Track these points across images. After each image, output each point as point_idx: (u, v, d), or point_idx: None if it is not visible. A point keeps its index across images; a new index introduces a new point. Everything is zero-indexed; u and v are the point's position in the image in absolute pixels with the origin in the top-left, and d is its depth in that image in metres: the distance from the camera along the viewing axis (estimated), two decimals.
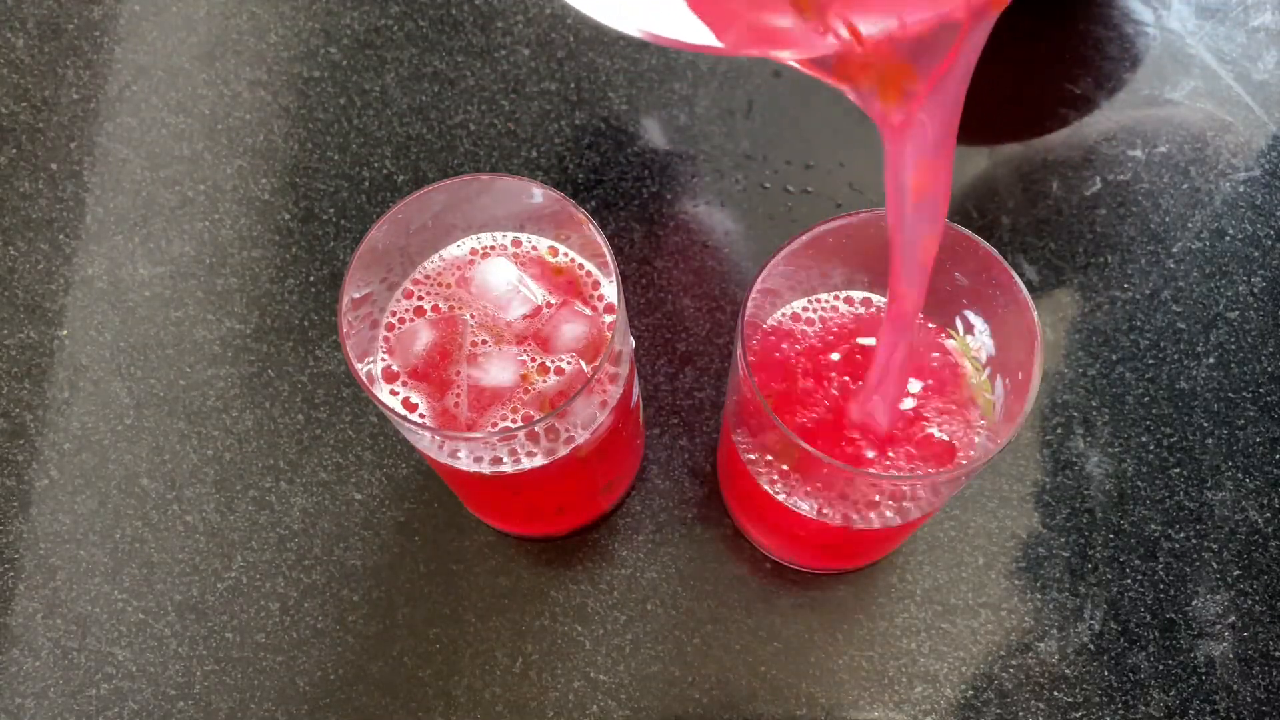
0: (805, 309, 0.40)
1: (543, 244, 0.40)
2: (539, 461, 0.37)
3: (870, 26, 0.20)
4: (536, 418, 0.37)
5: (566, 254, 0.40)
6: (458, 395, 0.38)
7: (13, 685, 0.46)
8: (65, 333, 0.52)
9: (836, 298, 0.41)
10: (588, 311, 0.39)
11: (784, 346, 0.39)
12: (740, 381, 0.36)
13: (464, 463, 0.37)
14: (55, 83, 0.57)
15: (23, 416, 0.51)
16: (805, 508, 0.38)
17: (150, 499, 0.49)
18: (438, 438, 0.36)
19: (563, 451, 0.37)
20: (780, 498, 0.38)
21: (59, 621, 0.47)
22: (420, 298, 0.40)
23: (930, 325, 0.40)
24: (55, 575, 0.48)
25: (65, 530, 0.49)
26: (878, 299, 0.41)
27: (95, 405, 0.51)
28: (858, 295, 0.41)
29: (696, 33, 0.22)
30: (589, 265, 0.40)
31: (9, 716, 0.46)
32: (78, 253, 0.54)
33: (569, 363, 0.38)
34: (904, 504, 0.37)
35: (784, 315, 0.40)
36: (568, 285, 0.40)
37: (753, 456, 0.38)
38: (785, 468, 0.37)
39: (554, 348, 0.38)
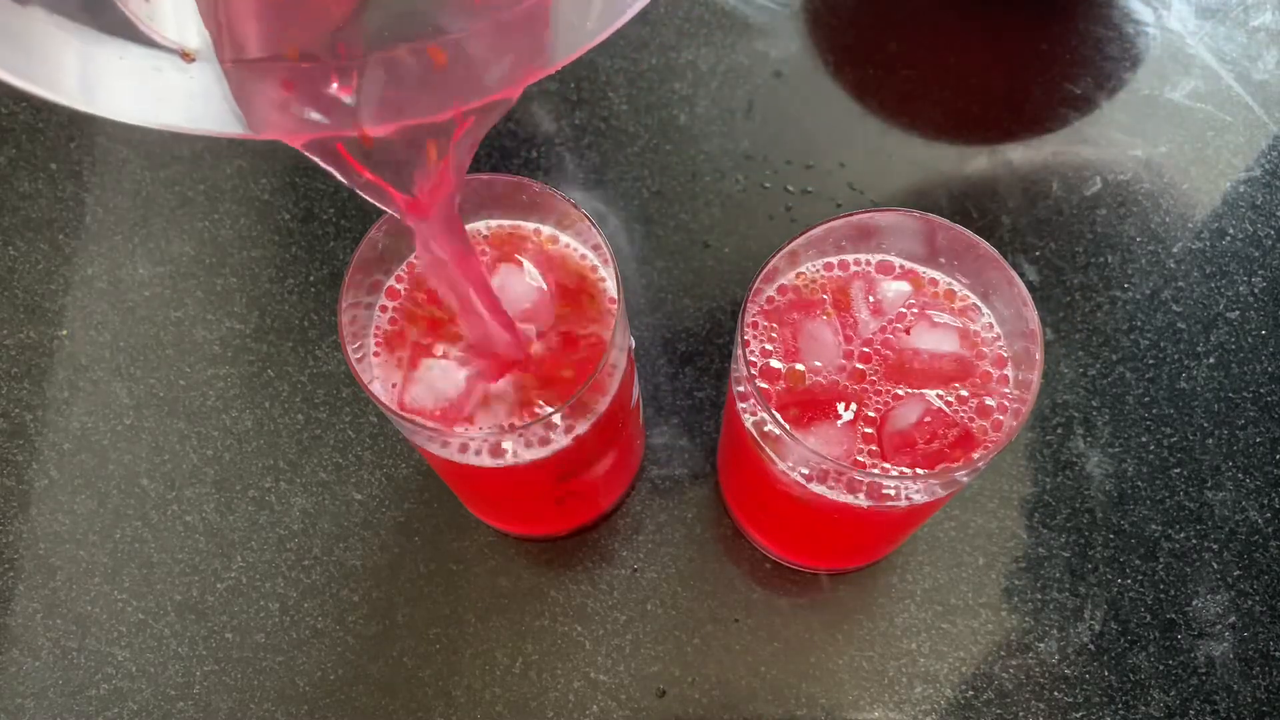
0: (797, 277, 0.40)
1: (542, 239, 0.40)
2: (538, 455, 0.37)
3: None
4: (537, 415, 0.37)
5: (566, 250, 0.40)
6: (459, 394, 0.38)
7: (13, 685, 0.46)
8: (65, 333, 0.52)
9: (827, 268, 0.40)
10: (588, 311, 0.39)
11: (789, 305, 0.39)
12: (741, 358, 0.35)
13: (467, 456, 0.37)
14: None
15: (23, 416, 0.51)
16: (806, 477, 0.37)
17: (150, 499, 0.49)
18: (437, 435, 0.36)
19: (562, 451, 0.37)
20: (778, 466, 0.37)
21: (59, 621, 0.47)
22: (419, 301, 0.40)
23: (949, 308, 0.39)
24: (55, 575, 0.48)
25: (65, 530, 0.49)
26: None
27: (95, 405, 0.51)
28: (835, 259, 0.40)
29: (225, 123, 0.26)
30: (589, 263, 0.40)
31: (9, 716, 0.46)
32: (78, 253, 0.54)
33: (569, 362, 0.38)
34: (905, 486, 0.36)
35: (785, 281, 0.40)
36: (568, 282, 0.40)
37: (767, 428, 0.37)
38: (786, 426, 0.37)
39: (554, 347, 0.38)
